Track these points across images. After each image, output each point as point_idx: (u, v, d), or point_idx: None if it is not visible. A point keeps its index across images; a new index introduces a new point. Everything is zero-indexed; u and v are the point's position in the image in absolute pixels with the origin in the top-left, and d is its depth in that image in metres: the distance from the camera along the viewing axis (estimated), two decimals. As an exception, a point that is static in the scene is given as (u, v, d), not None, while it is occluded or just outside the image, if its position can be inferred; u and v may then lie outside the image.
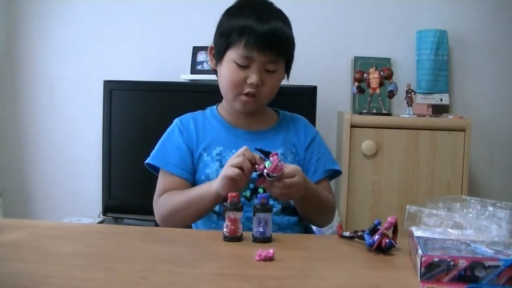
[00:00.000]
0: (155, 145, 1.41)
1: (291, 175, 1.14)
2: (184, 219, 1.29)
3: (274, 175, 1.11)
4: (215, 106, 1.45)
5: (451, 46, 2.47)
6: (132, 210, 2.27)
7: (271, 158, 1.12)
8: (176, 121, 1.42)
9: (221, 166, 1.32)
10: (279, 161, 1.11)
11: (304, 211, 1.32)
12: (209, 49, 1.40)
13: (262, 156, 1.15)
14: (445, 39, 2.43)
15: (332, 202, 1.38)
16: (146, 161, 1.37)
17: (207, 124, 1.40)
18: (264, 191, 1.14)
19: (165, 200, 1.32)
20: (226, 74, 1.31)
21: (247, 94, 1.30)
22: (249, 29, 1.26)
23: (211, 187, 1.22)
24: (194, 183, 1.36)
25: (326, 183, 1.41)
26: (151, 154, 1.38)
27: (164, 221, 1.31)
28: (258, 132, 1.39)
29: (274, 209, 1.20)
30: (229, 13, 1.35)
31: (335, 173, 1.44)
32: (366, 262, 0.96)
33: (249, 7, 1.32)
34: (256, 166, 1.14)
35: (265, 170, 1.11)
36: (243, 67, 1.29)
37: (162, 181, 1.36)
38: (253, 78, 1.28)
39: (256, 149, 1.17)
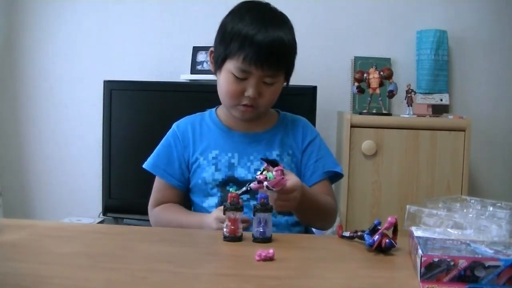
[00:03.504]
0: (155, 145, 1.43)
1: (290, 191, 1.13)
2: None
3: (274, 189, 1.10)
4: (214, 109, 1.45)
5: (451, 46, 2.47)
6: (132, 210, 2.27)
7: (274, 173, 1.10)
8: (174, 126, 1.43)
9: (217, 169, 1.34)
10: (282, 177, 1.10)
11: (302, 217, 1.32)
12: (209, 52, 1.40)
13: (265, 164, 1.13)
14: (445, 39, 2.43)
15: (332, 205, 1.36)
16: (143, 165, 1.40)
17: (205, 127, 1.41)
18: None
19: (158, 215, 1.38)
20: (224, 84, 1.31)
21: (245, 105, 1.31)
22: (249, 42, 1.24)
23: (202, 227, 1.24)
24: (186, 190, 1.39)
25: (326, 186, 1.39)
26: (148, 158, 1.41)
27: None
28: (255, 135, 1.38)
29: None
30: (231, 17, 1.32)
31: (336, 176, 1.43)
32: (366, 262, 0.96)
33: (251, 14, 1.29)
34: (258, 174, 1.12)
35: (265, 183, 1.09)
36: (241, 79, 1.28)
37: (155, 187, 1.41)
38: (250, 91, 1.28)
39: (262, 159, 1.16)
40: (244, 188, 1.15)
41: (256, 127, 1.39)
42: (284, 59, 1.30)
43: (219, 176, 1.33)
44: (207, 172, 1.34)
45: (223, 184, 1.32)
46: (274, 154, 1.35)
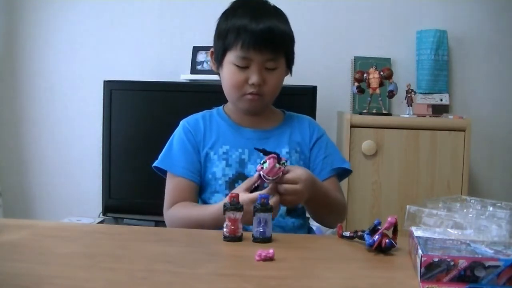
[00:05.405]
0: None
1: (292, 182, 1.13)
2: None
3: (270, 178, 1.09)
4: (221, 106, 1.45)
5: (451, 46, 2.47)
6: (132, 210, 2.27)
7: (267, 161, 1.10)
8: (183, 122, 1.42)
9: (228, 165, 1.33)
10: (278, 165, 1.09)
11: (313, 212, 1.32)
12: (210, 53, 1.41)
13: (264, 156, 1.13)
14: (445, 39, 2.43)
15: (342, 201, 1.37)
16: (154, 164, 1.37)
17: (214, 123, 1.40)
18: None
19: (175, 215, 1.31)
20: (227, 76, 1.32)
21: (251, 94, 1.31)
22: (244, 30, 1.27)
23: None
24: (201, 184, 1.36)
25: (334, 182, 1.39)
26: (158, 157, 1.38)
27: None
28: (263, 131, 1.39)
29: (279, 211, 1.19)
30: (225, 15, 1.36)
31: (345, 172, 1.43)
32: (366, 262, 0.96)
33: (243, 8, 1.33)
34: (258, 165, 1.13)
35: (261, 172, 1.10)
36: (243, 68, 1.29)
37: (170, 186, 1.35)
38: (253, 78, 1.28)
39: (256, 148, 1.16)
40: (253, 187, 1.15)
41: (264, 124, 1.40)
42: (281, 41, 1.31)
43: (230, 172, 1.32)
44: (218, 167, 1.33)
45: (232, 181, 1.32)
46: (283, 151, 1.35)
